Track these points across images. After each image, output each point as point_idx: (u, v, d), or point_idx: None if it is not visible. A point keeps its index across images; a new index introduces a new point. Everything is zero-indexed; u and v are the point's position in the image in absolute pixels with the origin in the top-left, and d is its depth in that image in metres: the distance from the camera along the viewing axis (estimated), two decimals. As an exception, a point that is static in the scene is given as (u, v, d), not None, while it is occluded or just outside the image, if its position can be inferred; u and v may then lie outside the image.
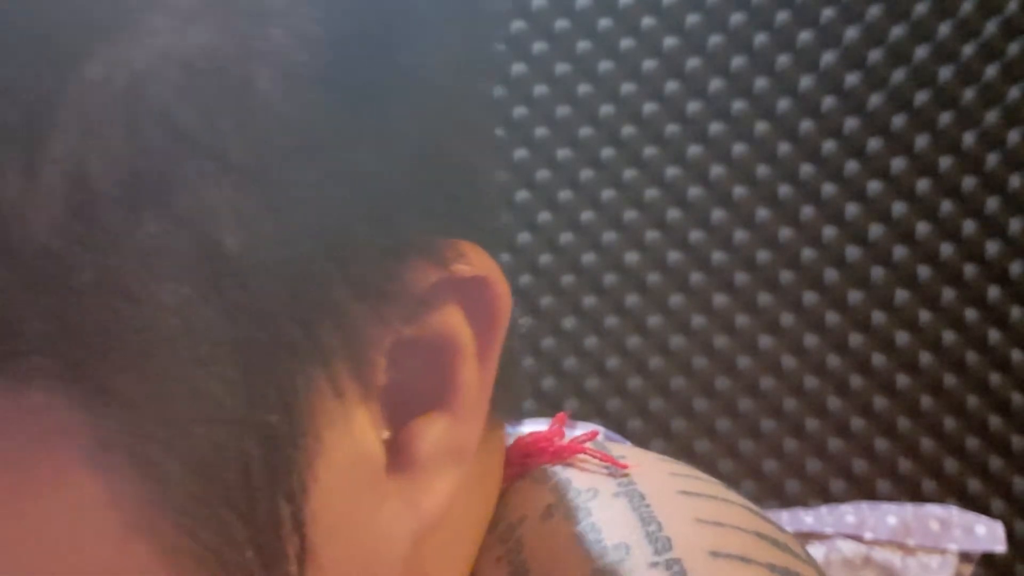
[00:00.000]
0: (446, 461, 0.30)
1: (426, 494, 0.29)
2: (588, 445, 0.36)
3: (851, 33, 1.10)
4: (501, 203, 0.34)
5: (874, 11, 1.10)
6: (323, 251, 0.26)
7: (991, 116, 1.09)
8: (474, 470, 0.33)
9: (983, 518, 1.07)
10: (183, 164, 0.25)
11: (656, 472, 0.35)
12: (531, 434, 0.38)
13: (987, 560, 1.09)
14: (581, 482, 0.34)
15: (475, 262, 0.29)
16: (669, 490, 0.34)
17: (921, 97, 1.10)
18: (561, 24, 1.14)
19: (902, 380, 1.14)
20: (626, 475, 0.34)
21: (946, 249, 1.12)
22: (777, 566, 0.31)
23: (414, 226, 0.28)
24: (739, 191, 1.15)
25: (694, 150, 1.15)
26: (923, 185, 1.11)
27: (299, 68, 0.26)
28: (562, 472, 0.35)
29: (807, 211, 1.14)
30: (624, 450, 0.37)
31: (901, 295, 1.13)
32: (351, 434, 0.28)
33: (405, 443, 0.29)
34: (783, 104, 1.13)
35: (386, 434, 0.29)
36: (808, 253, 1.14)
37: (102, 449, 0.25)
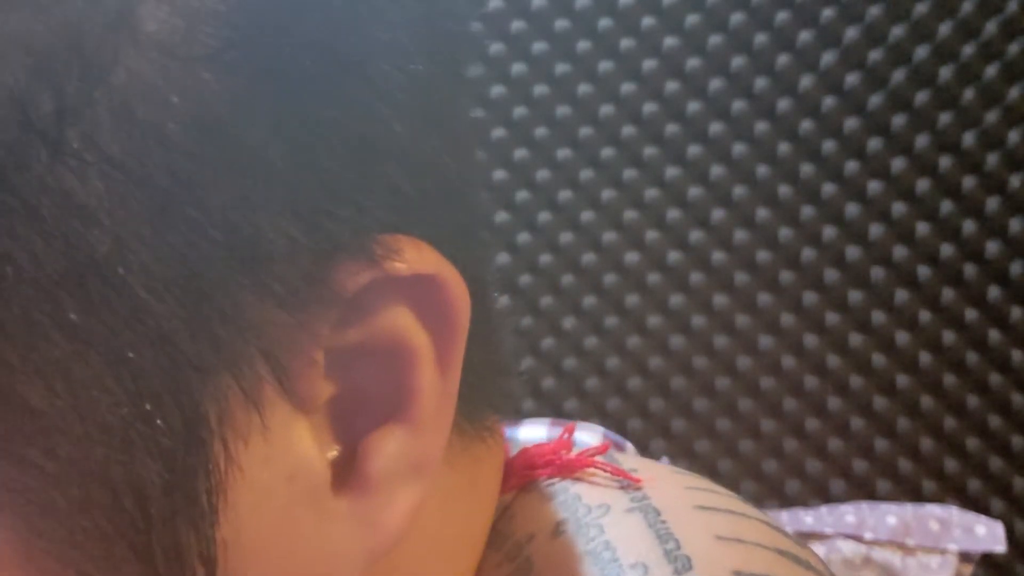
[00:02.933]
0: (404, 476, 0.27)
1: (383, 512, 0.27)
2: (598, 459, 0.35)
3: (851, 33, 1.10)
4: (474, 198, 0.31)
5: (874, 11, 1.09)
6: (221, 253, 0.24)
7: (991, 116, 1.09)
8: (459, 481, 0.32)
9: (983, 518, 1.07)
10: (38, 157, 0.22)
11: (670, 486, 0.34)
12: (537, 446, 0.36)
13: (987, 560, 1.09)
14: (592, 498, 0.33)
15: (415, 259, 0.26)
16: (685, 505, 0.32)
17: (921, 97, 1.10)
18: (561, 24, 1.14)
19: (902, 380, 1.14)
20: (639, 489, 0.33)
21: (946, 249, 1.12)
22: None
23: (340, 223, 0.25)
24: (739, 191, 1.14)
25: (694, 150, 1.14)
26: (923, 185, 1.11)
27: (183, 47, 0.23)
28: (571, 487, 0.34)
29: (807, 211, 1.14)
30: (636, 462, 0.35)
31: (901, 295, 1.13)
32: (283, 451, 0.26)
33: (359, 459, 0.27)
34: (783, 104, 1.12)
35: (334, 451, 0.27)
36: (808, 253, 1.14)
37: None
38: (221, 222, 0.24)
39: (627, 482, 0.34)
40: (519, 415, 0.40)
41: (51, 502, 0.24)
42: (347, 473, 0.27)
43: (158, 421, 0.24)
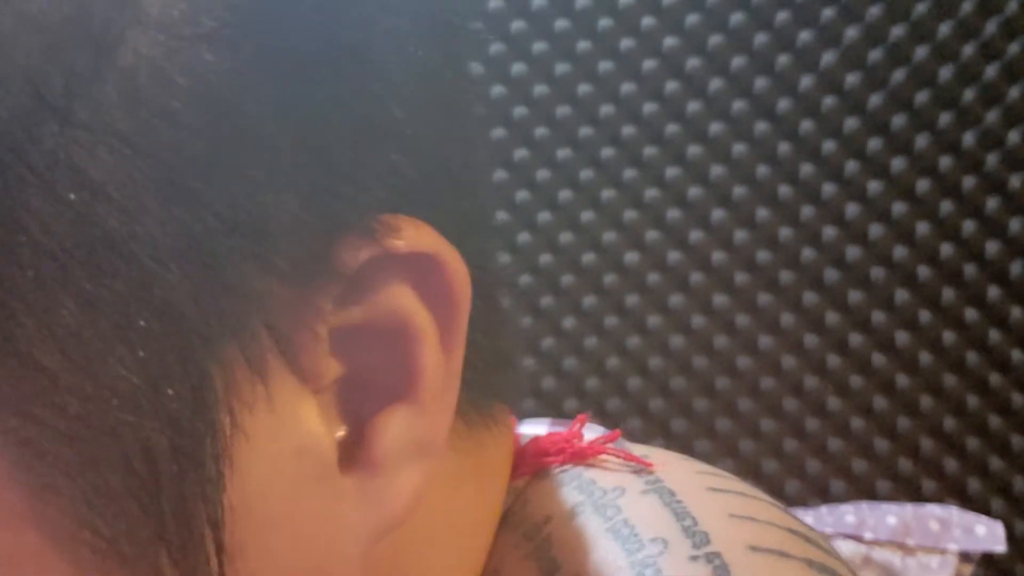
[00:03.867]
0: (409, 455, 0.28)
1: (388, 491, 0.28)
2: (609, 446, 0.36)
3: (851, 33, 1.10)
4: (479, 183, 0.32)
5: (874, 11, 1.10)
6: (225, 227, 0.25)
7: (991, 116, 1.09)
8: (463, 465, 0.32)
9: (983, 518, 1.07)
10: (50, 133, 0.23)
11: (682, 470, 0.34)
12: (550, 434, 0.37)
13: (987, 560, 1.09)
14: (606, 481, 0.33)
15: (413, 237, 0.27)
16: (698, 487, 0.33)
17: (921, 97, 1.10)
18: (561, 24, 1.14)
19: (902, 380, 1.14)
20: (652, 473, 0.34)
21: (946, 249, 1.12)
22: (814, 561, 0.30)
23: (341, 201, 0.26)
24: (739, 191, 1.14)
25: (694, 150, 1.14)
26: (923, 185, 1.11)
27: (185, 27, 0.24)
28: (585, 472, 0.34)
29: (807, 211, 1.14)
30: (646, 450, 0.36)
31: (901, 295, 1.13)
32: (291, 426, 0.27)
33: (366, 439, 0.28)
34: (783, 104, 1.13)
35: (342, 431, 0.28)
36: (808, 253, 1.14)
37: None
38: (225, 197, 0.25)
39: (640, 467, 0.34)
40: (519, 415, 0.40)
41: (62, 459, 0.24)
42: (354, 452, 0.28)
43: (165, 386, 0.25)
